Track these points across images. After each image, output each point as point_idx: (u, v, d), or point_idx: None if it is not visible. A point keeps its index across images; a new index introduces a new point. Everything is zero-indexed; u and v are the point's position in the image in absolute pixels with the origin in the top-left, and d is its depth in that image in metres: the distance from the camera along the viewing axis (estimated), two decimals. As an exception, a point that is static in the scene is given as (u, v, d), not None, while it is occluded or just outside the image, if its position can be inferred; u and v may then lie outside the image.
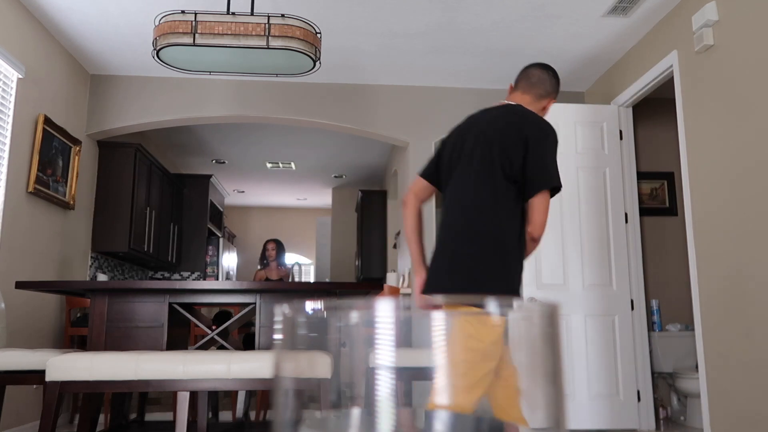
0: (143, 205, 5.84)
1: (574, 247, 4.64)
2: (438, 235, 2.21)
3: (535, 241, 2.15)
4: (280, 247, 6.10)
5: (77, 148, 4.83)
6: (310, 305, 0.36)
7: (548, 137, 2.18)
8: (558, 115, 4.80)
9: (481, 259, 2.07)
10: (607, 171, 4.80)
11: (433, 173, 2.37)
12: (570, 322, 4.67)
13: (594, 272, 4.67)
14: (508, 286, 2.07)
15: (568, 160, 4.78)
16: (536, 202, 2.13)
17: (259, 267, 6.15)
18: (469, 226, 2.12)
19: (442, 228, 2.20)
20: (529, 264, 4.60)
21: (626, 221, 4.76)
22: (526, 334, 0.36)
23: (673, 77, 4.22)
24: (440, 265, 2.13)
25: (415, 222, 2.35)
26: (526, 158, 2.13)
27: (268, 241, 6.13)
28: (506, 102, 2.32)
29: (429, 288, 2.10)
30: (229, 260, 9.04)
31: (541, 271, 4.63)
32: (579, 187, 4.76)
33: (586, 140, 4.82)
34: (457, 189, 2.20)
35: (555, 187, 2.16)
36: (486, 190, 2.13)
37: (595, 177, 4.79)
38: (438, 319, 0.35)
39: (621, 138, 4.86)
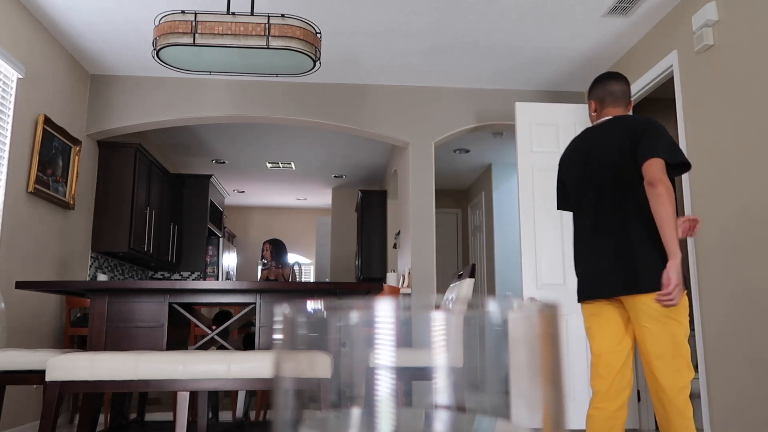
0: (143, 205, 5.84)
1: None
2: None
3: (652, 185, 2.26)
4: (276, 247, 6.03)
5: (77, 148, 4.83)
6: (310, 305, 0.36)
7: (657, 126, 2.38)
8: (558, 115, 4.80)
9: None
10: (607, 171, 4.80)
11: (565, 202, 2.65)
12: (570, 322, 4.66)
13: (594, 272, 4.67)
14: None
15: (568, 160, 4.79)
16: (645, 165, 2.31)
17: (261, 267, 6.10)
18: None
19: (595, 235, 2.47)
20: (528, 264, 4.60)
21: (626, 221, 4.76)
22: (526, 334, 0.36)
23: (673, 77, 4.22)
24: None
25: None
26: (640, 143, 2.35)
27: (264, 242, 6.13)
28: (607, 118, 2.54)
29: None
30: (229, 260, 9.05)
31: (541, 271, 4.63)
32: (579, 187, 4.76)
33: (586, 140, 4.83)
34: (603, 199, 2.44)
35: (678, 163, 2.32)
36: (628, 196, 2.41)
37: (595, 177, 4.79)
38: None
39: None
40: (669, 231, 2.20)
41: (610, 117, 2.52)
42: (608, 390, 2.34)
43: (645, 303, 2.27)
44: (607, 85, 2.57)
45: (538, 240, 4.63)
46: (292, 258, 10.93)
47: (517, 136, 4.75)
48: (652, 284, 2.25)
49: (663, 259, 2.26)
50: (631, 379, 2.39)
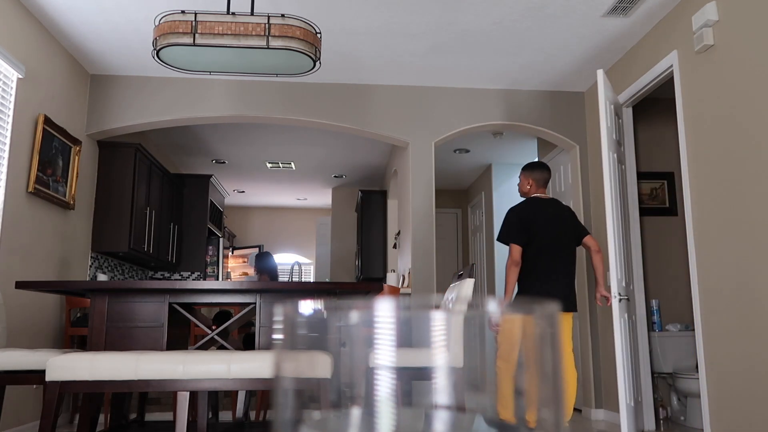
0: (143, 205, 5.84)
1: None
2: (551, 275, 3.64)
3: (599, 251, 3.85)
4: (255, 258, 6.28)
5: (77, 148, 4.83)
6: (310, 305, 0.36)
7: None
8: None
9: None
10: (607, 171, 4.78)
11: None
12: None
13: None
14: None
15: (568, 160, 4.77)
16: (589, 237, 3.85)
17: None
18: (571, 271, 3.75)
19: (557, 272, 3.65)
20: (618, 260, 4.46)
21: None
22: (526, 333, 0.36)
23: (673, 77, 4.22)
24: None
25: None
26: (579, 227, 3.85)
27: None
28: (551, 197, 3.89)
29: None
30: (229, 260, 9.04)
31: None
32: (579, 187, 4.75)
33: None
34: (564, 251, 3.68)
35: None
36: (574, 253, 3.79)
37: (595, 177, 4.78)
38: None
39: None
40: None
41: (550, 196, 3.86)
42: None
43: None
44: (547, 173, 3.82)
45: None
46: (291, 258, 10.93)
47: (601, 111, 4.19)
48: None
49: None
50: None
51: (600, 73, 4.25)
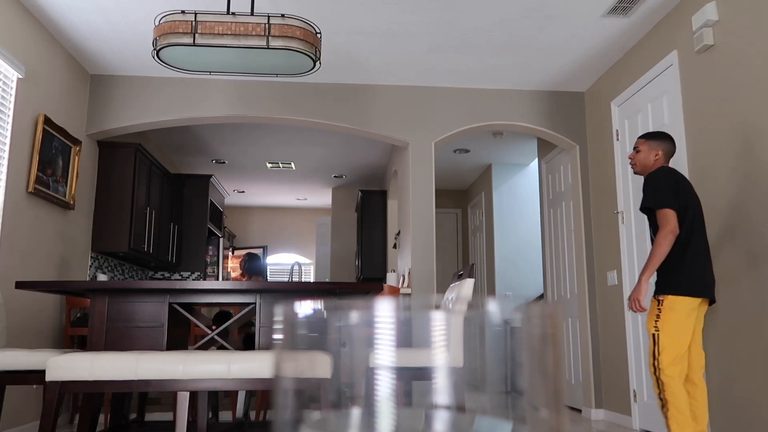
0: (143, 205, 5.84)
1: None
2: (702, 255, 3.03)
3: None
4: (245, 259, 6.44)
5: (77, 148, 4.83)
6: (310, 305, 0.36)
7: None
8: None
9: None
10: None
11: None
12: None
13: (594, 272, 4.66)
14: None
15: (568, 160, 4.77)
16: None
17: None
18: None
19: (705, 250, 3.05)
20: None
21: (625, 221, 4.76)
22: (526, 334, 0.36)
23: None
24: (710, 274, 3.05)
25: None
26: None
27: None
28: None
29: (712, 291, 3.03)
30: (229, 260, 9.04)
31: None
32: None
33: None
34: (705, 231, 3.09)
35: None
36: None
37: (596, 177, 4.77)
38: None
39: (617, 139, 4.86)
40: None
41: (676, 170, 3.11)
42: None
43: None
44: (674, 144, 3.19)
45: None
46: (291, 258, 10.93)
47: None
48: None
49: None
50: None
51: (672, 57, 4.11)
